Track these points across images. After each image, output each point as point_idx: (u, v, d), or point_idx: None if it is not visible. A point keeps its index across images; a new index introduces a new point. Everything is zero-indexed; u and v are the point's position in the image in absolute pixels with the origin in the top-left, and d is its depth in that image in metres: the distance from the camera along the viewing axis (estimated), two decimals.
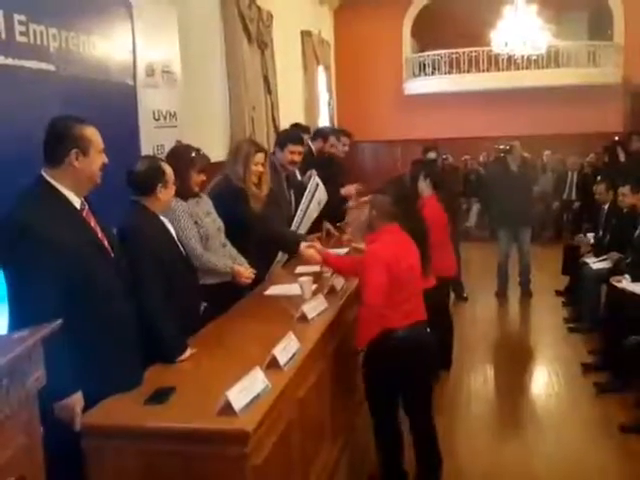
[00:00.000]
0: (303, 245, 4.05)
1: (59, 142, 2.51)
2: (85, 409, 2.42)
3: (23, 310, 2.36)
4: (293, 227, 4.68)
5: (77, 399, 2.39)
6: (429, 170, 5.37)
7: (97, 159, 2.58)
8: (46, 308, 2.26)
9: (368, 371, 3.52)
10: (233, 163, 4.10)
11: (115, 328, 2.60)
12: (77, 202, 2.57)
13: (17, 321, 2.35)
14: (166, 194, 3.16)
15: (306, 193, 4.82)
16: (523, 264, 7.86)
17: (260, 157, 4.13)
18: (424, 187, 5.20)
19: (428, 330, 3.58)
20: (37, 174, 2.53)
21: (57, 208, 2.50)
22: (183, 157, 3.60)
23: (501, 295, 7.89)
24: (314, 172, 5.03)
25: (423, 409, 3.58)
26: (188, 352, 2.96)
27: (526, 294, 7.86)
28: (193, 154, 3.64)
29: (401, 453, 3.67)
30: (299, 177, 5.13)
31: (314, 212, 4.88)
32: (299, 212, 4.75)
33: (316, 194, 4.82)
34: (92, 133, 2.57)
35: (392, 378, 3.46)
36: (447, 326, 5.42)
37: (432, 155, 7.51)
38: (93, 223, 2.62)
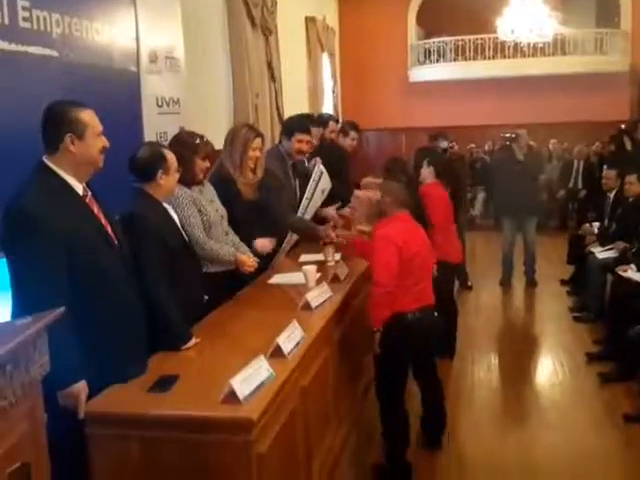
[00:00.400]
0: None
1: (54, 127, 2.48)
2: (89, 397, 2.42)
3: (27, 298, 2.34)
4: (299, 214, 4.67)
5: (82, 387, 2.39)
6: (433, 157, 5.37)
7: (95, 142, 2.53)
8: (50, 295, 2.25)
9: (380, 352, 3.56)
10: (230, 149, 4.04)
11: (119, 316, 2.59)
12: (79, 188, 2.55)
13: (21, 309, 2.33)
14: (167, 180, 3.13)
15: (311, 181, 4.80)
16: (528, 254, 7.82)
17: (258, 142, 4.10)
18: (427, 174, 5.21)
19: (435, 314, 3.71)
20: (39, 160, 2.52)
21: (59, 194, 2.48)
22: (187, 144, 3.58)
23: (505, 284, 7.87)
24: (318, 160, 5.00)
25: (431, 375, 3.90)
26: (193, 341, 2.96)
27: (531, 284, 7.83)
28: (197, 141, 3.63)
29: (407, 441, 3.71)
30: (306, 164, 5.08)
31: (319, 200, 4.86)
32: (304, 200, 4.73)
33: (320, 182, 4.80)
34: (88, 116, 2.52)
35: (402, 360, 3.61)
36: (451, 313, 5.42)
37: (444, 144, 7.40)
38: (96, 210, 2.60)
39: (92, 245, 2.51)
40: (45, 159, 2.51)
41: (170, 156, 3.16)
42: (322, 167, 4.85)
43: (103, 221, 2.62)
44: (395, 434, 3.67)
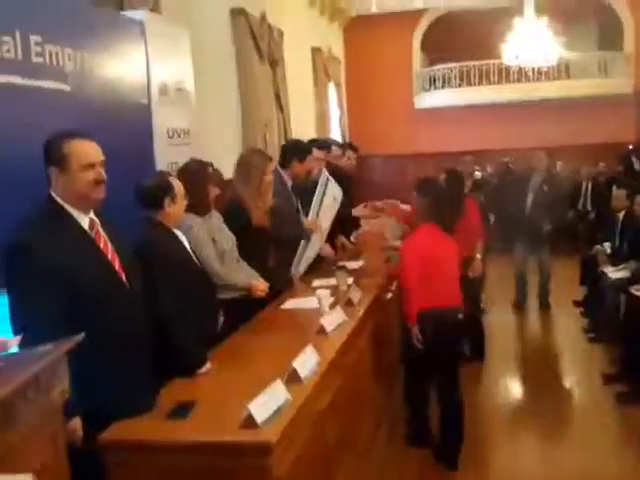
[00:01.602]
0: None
1: (45, 159, 2.46)
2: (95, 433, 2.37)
3: (24, 331, 2.20)
4: (310, 217, 4.83)
5: (75, 425, 2.30)
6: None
7: (83, 175, 2.43)
8: (47, 329, 2.14)
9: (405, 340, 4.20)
10: (246, 177, 4.06)
11: (123, 350, 2.52)
12: (85, 221, 2.49)
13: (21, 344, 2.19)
14: (175, 208, 3.15)
15: (318, 187, 4.89)
16: (543, 275, 7.77)
17: (271, 167, 4.18)
18: None
19: (460, 315, 4.16)
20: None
21: (62, 228, 2.43)
22: (199, 173, 3.62)
23: (519, 305, 7.83)
24: (324, 169, 5.10)
25: (449, 381, 4.14)
26: (208, 365, 2.96)
27: (545, 306, 7.78)
28: (209, 169, 3.67)
29: (426, 405, 4.36)
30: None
31: (331, 209, 4.92)
32: (313, 204, 4.83)
33: (328, 187, 4.89)
34: (76, 149, 2.43)
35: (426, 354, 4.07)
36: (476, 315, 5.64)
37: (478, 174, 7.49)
38: (102, 243, 2.53)
39: (92, 279, 2.43)
40: (51, 191, 2.48)
41: (177, 184, 3.18)
42: (327, 173, 4.93)
43: (110, 255, 2.54)
44: (416, 401, 4.35)
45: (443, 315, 4.04)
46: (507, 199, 8.21)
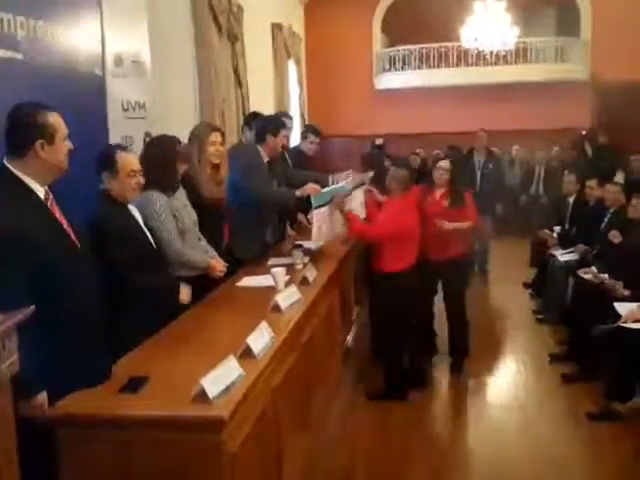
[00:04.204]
0: (299, 190, 4.70)
1: (23, 131, 2.44)
2: (50, 404, 2.38)
3: None
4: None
5: (43, 398, 2.35)
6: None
7: (63, 147, 2.53)
8: (11, 299, 2.12)
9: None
10: (190, 148, 4.04)
11: (81, 321, 2.54)
12: (41, 192, 2.50)
13: None
14: (116, 184, 3.15)
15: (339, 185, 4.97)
16: (483, 246, 8.35)
17: (216, 136, 4.13)
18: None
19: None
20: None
21: (20, 198, 2.43)
22: (168, 150, 3.59)
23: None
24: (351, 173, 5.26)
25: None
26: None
27: (484, 275, 8.41)
28: (178, 147, 3.64)
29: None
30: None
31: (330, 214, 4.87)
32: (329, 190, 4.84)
33: (353, 197, 5.02)
34: (56, 120, 2.51)
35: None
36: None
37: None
38: (58, 214, 2.55)
39: (53, 249, 2.45)
40: (6, 162, 2.46)
41: (123, 160, 3.17)
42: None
43: (65, 225, 2.56)
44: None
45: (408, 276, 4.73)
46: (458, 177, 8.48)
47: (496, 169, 8.59)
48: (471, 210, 5.26)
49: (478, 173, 8.40)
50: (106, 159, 3.14)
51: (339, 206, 4.74)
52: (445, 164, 5.20)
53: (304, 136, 6.15)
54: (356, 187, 5.21)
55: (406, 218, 4.72)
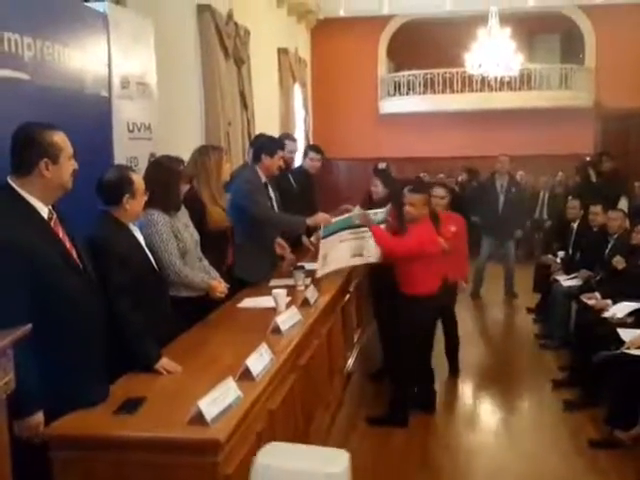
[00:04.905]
0: (310, 219, 4.71)
1: (28, 150, 2.44)
2: (48, 423, 2.36)
3: None
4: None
5: (40, 418, 2.33)
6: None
7: (67, 166, 2.53)
8: (10, 316, 2.13)
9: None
10: (205, 174, 4.05)
11: (82, 341, 2.53)
12: (44, 211, 2.50)
13: None
14: (134, 204, 3.11)
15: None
16: (509, 269, 8.65)
17: (225, 156, 4.20)
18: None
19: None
20: (4, 182, 2.48)
21: (23, 217, 2.43)
22: (171, 170, 3.59)
23: (476, 295, 8.50)
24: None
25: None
26: (164, 360, 2.93)
27: (511, 294, 8.61)
28: (180, 167, 3.65)
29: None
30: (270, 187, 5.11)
31: (345, 253, 4.80)
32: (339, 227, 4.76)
33: (365, 239, 4.82)
34: (61, 139, 2.52)
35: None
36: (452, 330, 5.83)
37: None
38: (61, 234, 2.55)
39: (56, 269, 2.45)
40: (10, 181, 2.46)
41: (138, 180, 3.14)
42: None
43: (68, 245, 2.56)
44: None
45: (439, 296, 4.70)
46: (480, 201, 8.88)
47: (519, 193, 8.74)
48: (445, 229, 5.11)
49: (501, 197, 8.50)
50: (127, 181, 3.10)
51: (365, 222, 4.65)
52: (440, 192, 5.12)
53: (305, 154, 6.19)
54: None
55: (434, 236, 4.67)
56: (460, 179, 12.65)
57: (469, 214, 7.80)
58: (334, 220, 4.72)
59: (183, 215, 3.73)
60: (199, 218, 3.91)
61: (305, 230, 5.29)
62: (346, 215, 4.91)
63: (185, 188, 3.69)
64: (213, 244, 3.96)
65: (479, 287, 8.66)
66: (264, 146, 4.87)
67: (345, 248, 4.77)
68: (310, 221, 4.75)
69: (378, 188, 5.29)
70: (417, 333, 4.68)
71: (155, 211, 3.45)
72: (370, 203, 5.30)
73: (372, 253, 4.84)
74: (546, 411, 5.05)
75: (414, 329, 4.64)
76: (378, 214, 4.81)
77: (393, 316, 4.75)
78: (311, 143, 11.01)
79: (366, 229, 4.69)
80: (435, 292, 4.66)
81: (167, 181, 3.44)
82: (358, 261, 4.92)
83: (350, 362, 4.98)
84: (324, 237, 4.60)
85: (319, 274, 4.58)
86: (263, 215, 4.66)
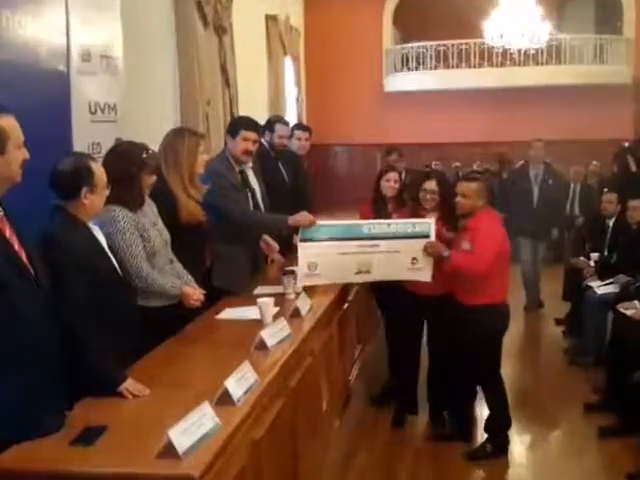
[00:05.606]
0: (291, 218, 4.65)
1: None
2: None
3: None
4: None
5: None
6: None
7: (16, 155, 2.50)
8: None
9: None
10: (174, 160, 4.04)
11: (32, 359, 2.51)
12: None
13: None
14: (94, 199, 3.09)
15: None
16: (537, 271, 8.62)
17: (203, 145, 4.17)
18: None
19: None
20: None
21: None
22: (132, 158, 3.56)
23: (532, 308, 8.53)
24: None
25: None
26: (129, 382, 2.92)
27: (535, 304, 8.60)
28: (144, 154, 3.62)
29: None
30: (252, 176, 5.08)
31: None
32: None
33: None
34: (9, 125, 2.47)
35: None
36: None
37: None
38: (9, 233, 2.53)
39: (1, 273, 2.43)
40: None
41: (98, 170, 3.12)
42: None
43: (17, 247, 2.54)
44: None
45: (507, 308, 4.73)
46: (512, 195, 8.74)
47: (556, 186, 8.62)
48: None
49: (535, 190, 8.42)
50: (85, 171, 3.06)
51: (437, 251, 4.62)
52: (431, 185, 4.91)
53: (291, 135, 6.21)
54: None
55: (502, 230, 4.69)
56: (475, 167, 12.66)
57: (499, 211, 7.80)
58: (321, 223, 4.69)
59: (150, 210, 3.72)
60: (170, 213, 3.89)
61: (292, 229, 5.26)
62: (348, 222, 4.88)
63: (152, 180, 3.66)
64: (186, 243, 3.95)
65: (536, 296, 8.66)
66: (229, 126, 4.91)
67: (347, 263, 4.67)
68: (292, 220, 4.69)
69: (391, 183, 5.26)
70: (498, 348, 4.79)
71: (116, 207, 3.44)
72: (381, 201, 5.28)
73: (393, 272, 4.75)
74: (577, 439, 5.05)
75: (497, 343, 4.76)
76: (417, 226, 4.71)
77: (446, 332, 4.78)
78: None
79: (377, 243, 4.65)
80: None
81: (128, 172, 3.42)
82: (365, 279, 4.83)
83: (349, 383, 4.97)
84: (303, 241, 4.59)
85: (302, 283, 4.53)
86: (243, 219, 4.66)
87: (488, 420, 4.84)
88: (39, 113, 3.79)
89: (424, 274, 4.70)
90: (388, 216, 5.08)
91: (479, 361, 4.70)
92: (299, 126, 6.66)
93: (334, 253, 4.64)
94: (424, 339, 5.21)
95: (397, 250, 4.68)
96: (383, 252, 4.66)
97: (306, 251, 4.59)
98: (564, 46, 14.07)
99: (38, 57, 4.17)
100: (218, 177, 4.59)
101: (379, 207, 5.26)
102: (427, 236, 4.66)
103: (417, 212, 4.93)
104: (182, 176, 4.02)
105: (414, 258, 4.67)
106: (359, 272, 4.71)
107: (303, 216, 4.67)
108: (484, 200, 4.65)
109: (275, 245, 5.06)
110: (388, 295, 5.16)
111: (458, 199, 4.62)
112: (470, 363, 4.70)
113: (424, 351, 5.23)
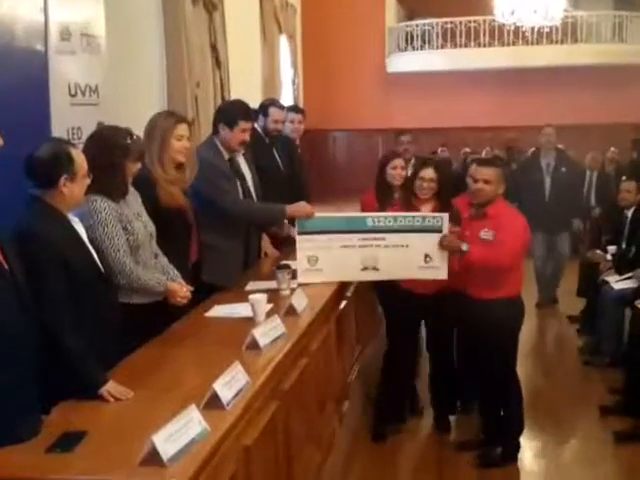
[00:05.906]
0: (290, 207, 4.68)
1: None
2: None
3: None
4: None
5: None
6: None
7: None
8: None
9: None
10: (148, 143, 4.04)
11: (5, 360, 2.51)
12: None
13: None
14: (74, 188, 3.07)
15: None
16: (557, 267, 8.66)
17: (183, 129, 4.13)
18: None
19: None
20: None
21: None
22: (116, 144, 3.55)
23: (544, 304, 8.55)
24: None
25: None
26: (110, 384, 2.91)
27: (550, 299, 8.65)
28: (127, 140, 3.61)
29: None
30: (243, 163, 5.06)
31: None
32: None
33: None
34: None
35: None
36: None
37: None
38: None
39: None
40: None
41: (79, 157, 3.10)
42: None
43: None
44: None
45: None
46: (523, 185, 8.63)
47: (570, 174, 8.52)
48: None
49: (547, 180, 8.38)
50: (65, 158, 3.04)
51: (453, 246, 4.56)
52: (429, 173, 4.81)
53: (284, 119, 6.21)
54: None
55: (523, 218, 4.73)
56: (485, 154, 12.64)
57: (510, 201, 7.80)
58: (320, 215, 4.68)
59: (134, 201, 3.71)
60: (148, 197, 3.88)
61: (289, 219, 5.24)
62: (350, 214, 4.88)
63: (136, 168, 3.65)
64: (171, 235, 3.95)
65: (552, 292, 8.72)
66: (222, 114, 4.82)
67: (352, 257, 4.66)
68: (290, 209, 4.71)
69: (398, 170, 5.25)
70: (515, 344, 4.79)
71: (97, 196, 3.43)
72: (387, 190, 5.27)
73: (406, 270, 4.69)
74: (592, 444, 5.07)
75: (514, 339, 4.76)
76: (427, 219, 4.64)
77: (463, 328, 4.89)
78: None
79: (382, 236, 4.62)
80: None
81: (111, 159, 3.41)
82: (373, 277, 4.80)
83: (348, 385, 4.98)
84: (301, 234, 4.59)
85: (302, 279, 4.55)
86: (234, 209, 4.64)
87: (499, 423, 4.81)
88: (14, 95, 3.80)
89: (440, 272, 4.63)
90: (395, 206, 5.02)
91: (494, 359, 4.64)
92: (292, 108, 6.64)
93: (336, 246, 4.63)
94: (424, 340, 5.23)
95: (405, 244, 4.63)
96: (389, 246, 4.62)
97: (305, 244, 4.59)
98: (580, 23, 14.06)
99: (13, 35, 4.14)
100: (206, 165, 4.58)
101: (384, 197, 5.23)
102: (439, 231, 4.58)
103: (410, 203, 4.84)
104: (159, 158, 4.02)
105: (427, 255, 4.60)
106: (365, 269, 4.69)
107: (301, 207, 4.67)
108: (504, 187, 4.68)
109: (267, 237, 5.07)
110: (383, 292, 5.15)
111: (479, 185, 4.54)
112: (484, 361, 4.67)
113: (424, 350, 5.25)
